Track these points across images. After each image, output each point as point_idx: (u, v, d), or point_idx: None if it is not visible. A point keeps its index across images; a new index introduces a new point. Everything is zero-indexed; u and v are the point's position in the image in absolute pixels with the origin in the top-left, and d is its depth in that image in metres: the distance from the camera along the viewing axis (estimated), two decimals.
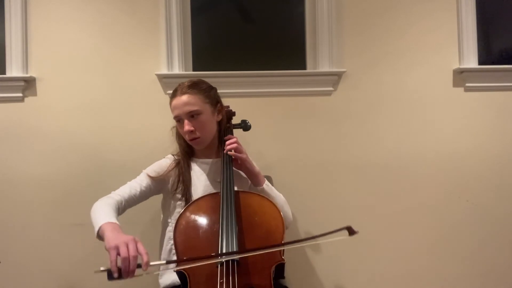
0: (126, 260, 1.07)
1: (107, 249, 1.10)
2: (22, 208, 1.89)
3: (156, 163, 1.57)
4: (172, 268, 1.27)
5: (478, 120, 2.04)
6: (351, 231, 1.15)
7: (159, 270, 1.23)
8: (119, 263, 1.07)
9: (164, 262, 1.12)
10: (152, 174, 1.51)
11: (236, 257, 1.21)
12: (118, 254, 1.08)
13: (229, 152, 1.46)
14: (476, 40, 2.03)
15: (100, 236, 1.21)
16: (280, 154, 1.99)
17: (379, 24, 2.03)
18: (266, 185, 1.52)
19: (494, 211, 2.03)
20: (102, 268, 1.05)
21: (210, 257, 1.19)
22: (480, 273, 2.02)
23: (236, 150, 1.47)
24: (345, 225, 1.17)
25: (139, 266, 1.08)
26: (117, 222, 1.24)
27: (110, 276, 1.06)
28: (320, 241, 1.18)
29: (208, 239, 1.29)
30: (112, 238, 1.13)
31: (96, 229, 1.23)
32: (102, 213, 1.27)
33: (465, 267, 2.02)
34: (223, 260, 1.20)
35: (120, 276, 1.06)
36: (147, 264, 1.08)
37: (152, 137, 1.90)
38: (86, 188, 1.88)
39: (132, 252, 1.08)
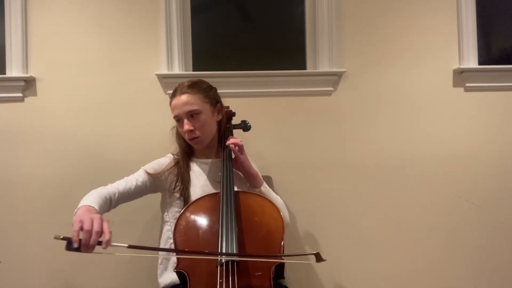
0: (88, 232, 1.07)
1: (73, 222, 1.11)
2: (22, 208, 1.89)
3: (155, 160, 1.57)
4: (126, 254, 1.24)
5: (478, 120, 2.04)
6: (318, 258, 1.16)
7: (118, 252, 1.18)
8: (81, 235, 1.07)
9: (126, 245, 1.08)
10: (150, 171, 1.51)
11: (232, 258, 1.21)
12: (82, 227, 1.08)
13: (230, 146, 1.46)
14: (476, 40, 2.03)
15: None
16: (280, 154, 1.99)
17: (379, 24, 2.03)
18: (264, 187, 1.52)
19: (494, 211, 2.03)
20: (62, 236, 1.05)
21: (205, 253, 1.21)
22: (480, 273, 2.02)
23: (240, 148, 1.47)
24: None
25: (99, 243, 1.08)
26: (96, 208, 1.25)
27: (69, 245, 1.07)
28: (287, 260, 1.21)
29: (208, 239, 1.29)
30: (80, 214, 1.15)
31: (75, 211, 1.24)
32: (87, 199, 1.29)
33: (465, 267, 2.02)
34: (223, 260, 1.20)
35: (79, 248, 1.06)
36: (108, 242, 1.07)
37: (152, 137, 1.90)
38: (86, 188, 1.85)
39: (96, 228, 1.08)
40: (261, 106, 1.98)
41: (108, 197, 1.37)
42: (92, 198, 1.29)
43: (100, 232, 1.08)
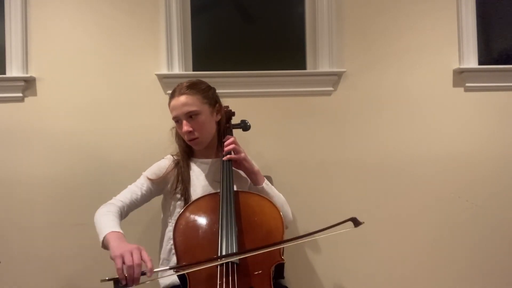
0: (131, 268, 1.10)
1: (113, 258, 1.13)
2: (22, 208, 1.89)
3: (155, 164, 1.57)
4: (172, 274, 1.29)
5: (478, 120, 2.04)
6: (356, 223, 1.15)
7: (162, 275, 1.25)
8: (125, 271, 1.10)
9: (168, 268, 1.16)
10: (152, 177, 1.52)
11: (237, 258, 1.21)
12: (123, 262, 1.10)
13: (226, 157, 1.47)
14: (476, 40, 2.03)
15: (105, 246, 1.24)
16: (280, 154, 1.99)
17: (379, 24, 2.03)
18: (266, 184, 1.53)
19: (494, 211, 2.03)
20: (108, 278, 1.08)
21: (212, 259, 1.20)
22: (479, 273, 2.02)
23: (234, 150, 1.48)
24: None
25: (143, 273, 1.11)
26: (121, 231, 1.27)
27: (117, 284, 1.09)
28: (325, 234, 1.18)
29: (208, 239, 1.29)
30: (117, 247, 1.16)
31: (101, 238, 1.25)
32: (106, 222, 1.30)
33: (464, 266, 2.02)
34: (224, 261, 1.20)
35: (126, 284, 1.10)
36: (151, 270, 1.11)
37: (152, 137, 1.89)
38: (86, 188, 1.89)
39: (136, 260, 1.11)
40: (261, 106, 1.98)
41: (119, 213, 1.39)
42: (112, 222, 1.30)
43: (141, 264, 1.12)
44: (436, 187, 2.02)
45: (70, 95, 1.92)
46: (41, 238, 1.88)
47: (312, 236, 1.20)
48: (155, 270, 1.12)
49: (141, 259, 1.12)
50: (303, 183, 1.99)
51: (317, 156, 2.00)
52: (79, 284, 1.90)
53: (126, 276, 1.10)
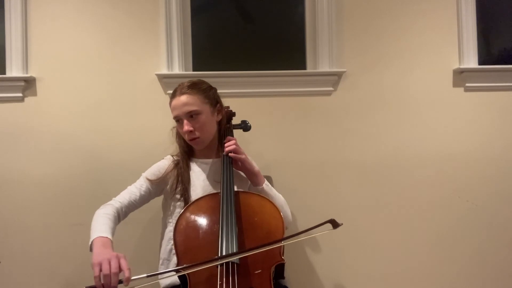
0: (107, 276, 1.10)
1: (91, 266, 1.13)
2: (22, 208, 1.89)
3: (154, 165, 1.57)
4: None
5: (478, 120, 2.04)
6: (334, 224, 1.15)
7: (146, 282, 1.22)
8: (102, 280, 1.10)
9: (145, 275, 1.11)
10: (151, 178, 1.52)
11: (237, 258, 1.21)
12: (101, 270, 1.11)
13: (229, 154, 1.47)
14: (476, 40, 2.03)
15: (91, 250, 1.24)
16: (280, 154, 1.99)
17: (379, 24, 2.03)
18: (266, 185, 1.53)
19: (494, 211, 2.03)
20: (86, 286, 1.08)
21: (212, 260, 1.20)
22: (479, 273, 2.02)
23: (235, 151, 1.48)
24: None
25: (121, 282, 1.10)
26: (109, 236, 1.26)
27: None
28: (304, 237, 1.19)
29: (208, 240, 1.29)
30: (97, 254, 1.16)
31: (90, 242, 1.26)
32: (97, 226, 1.30)
33: (465, 267, 2.02)
34: (223, 261, 1.20)
35: None
36: (128, 280, 1.10)
37: (152, 137, 1.90)
38: (86, 188, 1.89)
39: (113, 269, 1.11)
40: (261, 106, 1.98)
41: (116, 215, 1.39)
42: (104, 226, 1.30)
43: (118, 272, 1.11)
44: (436, 187, 2.02)
45: (70, 95, 1.92)
46: (41, 238, 1.88)
47: (292, 239, 1.21)
48: (132, 278, 1.10)
49: (119, 268, 1.11)
50: (303, 183, 1.99)
51: (317, 156, 2.00)
52: (78, 284, 1.89)
53: (103, 285, 1.09)
